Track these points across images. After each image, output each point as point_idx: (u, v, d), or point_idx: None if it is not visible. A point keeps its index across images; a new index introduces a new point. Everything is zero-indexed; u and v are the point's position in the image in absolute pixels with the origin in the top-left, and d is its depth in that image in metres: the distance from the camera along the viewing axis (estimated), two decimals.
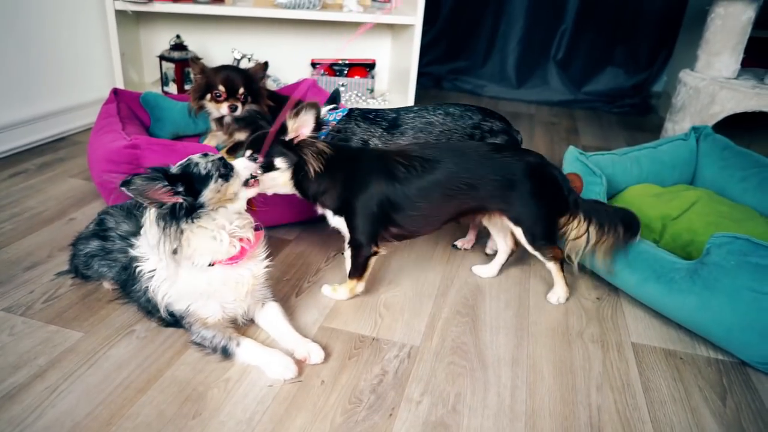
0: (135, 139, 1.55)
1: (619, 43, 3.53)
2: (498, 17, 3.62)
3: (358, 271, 1.35)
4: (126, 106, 1.99)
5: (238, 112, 1.83)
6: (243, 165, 1.17)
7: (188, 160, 1.09)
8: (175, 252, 1.05)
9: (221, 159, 1.11)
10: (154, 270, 1.13)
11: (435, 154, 1.29)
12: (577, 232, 1.32)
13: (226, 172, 1.10)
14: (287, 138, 1.24)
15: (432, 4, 3.71)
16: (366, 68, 2.81)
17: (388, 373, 1.14)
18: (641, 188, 1.66)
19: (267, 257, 1.20)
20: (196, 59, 1.91)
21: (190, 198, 1.05)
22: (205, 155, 1.11)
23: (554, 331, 1.31)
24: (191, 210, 1.06)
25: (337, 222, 1.34)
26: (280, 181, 1.27)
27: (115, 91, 1.99)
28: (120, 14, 2.36)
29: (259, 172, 1.21)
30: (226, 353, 1.13)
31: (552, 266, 1.39)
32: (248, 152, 1.24)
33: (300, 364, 1.14)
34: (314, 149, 1.24)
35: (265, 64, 1.92)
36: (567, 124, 3.11)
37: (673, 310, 1.30)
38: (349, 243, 1.34)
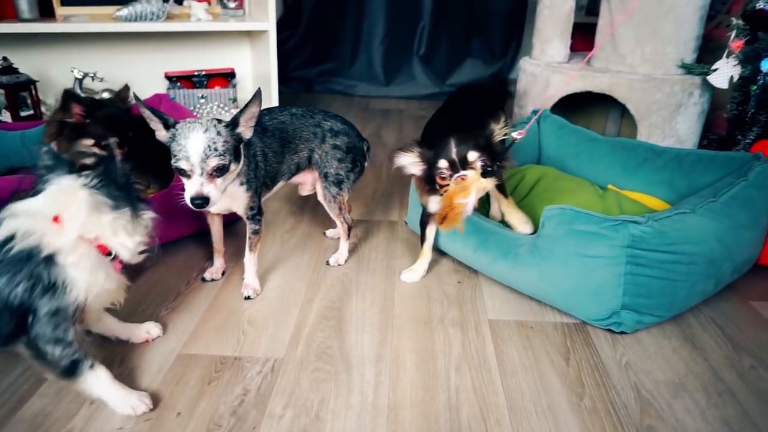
0: None
1: (475, 36, 3.74)
2: (360, 18, 3.68)
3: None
4: None
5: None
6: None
7: None
8: None
9: None
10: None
11: None
12: None
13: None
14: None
15: (293, 8, 3.70)
16: (226, 78, 2.72)
17: (250, 392, 1.11)
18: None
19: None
20: (74, 96, 1.56)
21: None
22: None
23: (417, 321, 1.35)
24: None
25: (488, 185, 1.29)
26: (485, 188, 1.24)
27: None
28: None
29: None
30: (73, 372, 0.98)
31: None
32: (473, 155, 1.22)
33: (154, 398, 1.07)
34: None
35: (126, 87, 1.70)
36: None
37: (521, 283, 1.39)
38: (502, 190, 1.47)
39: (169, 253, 1.62)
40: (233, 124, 1.22)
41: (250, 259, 1.44)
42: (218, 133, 1.18)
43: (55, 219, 0.96)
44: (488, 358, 1.23)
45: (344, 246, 1.61)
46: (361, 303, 1.42)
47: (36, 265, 0.93)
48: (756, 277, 1.55)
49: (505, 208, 1.51)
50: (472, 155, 1.22)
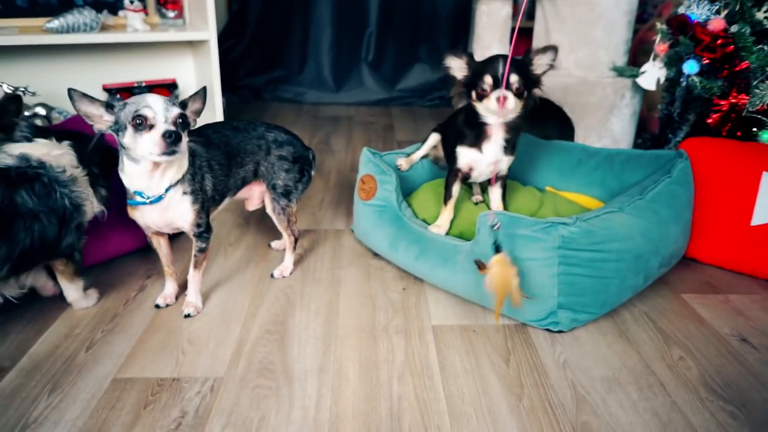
0: None
1: (422, 42, 3.78)
2: (306, 25, 3.66)
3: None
4: None
5: None
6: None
7: None
8: None
9: None
10: None
11: None
12: None
13: None
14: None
15: (239, 16, 3.65)
16: (168, 89, 2.66)
17: (187, 414, 1.09)
18: (435, 184, 1.76)
19: None
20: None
21: None
22: None
23: (361, 330, 1.35)
24: None
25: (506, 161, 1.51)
26: (514, 109, 1.37)
27: None
28: None
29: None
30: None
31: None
32: (514, 78, 1.35)
33: (86, 428, 1.04)
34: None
35: (16, 97, 1.62)
36: (384, 122, 3.25)
37: (461, 288, 1.41)
38: (504, 179, 1.56)
39: (106, 271, 1.57)
40: (183, 104, 1.24)
41: (194, 276, 1.41)
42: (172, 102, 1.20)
43: None
44: (431, 365, 1.24)
45: (290, 258, 1.60)
46: (305, 315, 1.41)
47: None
48: (686, 271, 1.63)
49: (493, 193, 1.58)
50: (514, 77, 1.35)
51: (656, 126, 2.23)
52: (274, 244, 1.74)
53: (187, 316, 1.39)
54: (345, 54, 3.70)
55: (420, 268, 1.49)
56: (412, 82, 3.73)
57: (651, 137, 2.24)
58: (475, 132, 1.47)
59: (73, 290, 1.38)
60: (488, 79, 1.37)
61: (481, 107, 1.42)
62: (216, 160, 1.37)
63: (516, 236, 1.28)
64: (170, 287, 1.46)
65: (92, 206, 1.34)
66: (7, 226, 1.15)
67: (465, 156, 1.51)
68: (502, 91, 1.35)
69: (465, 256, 1.35)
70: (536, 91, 1.45)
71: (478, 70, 1.41)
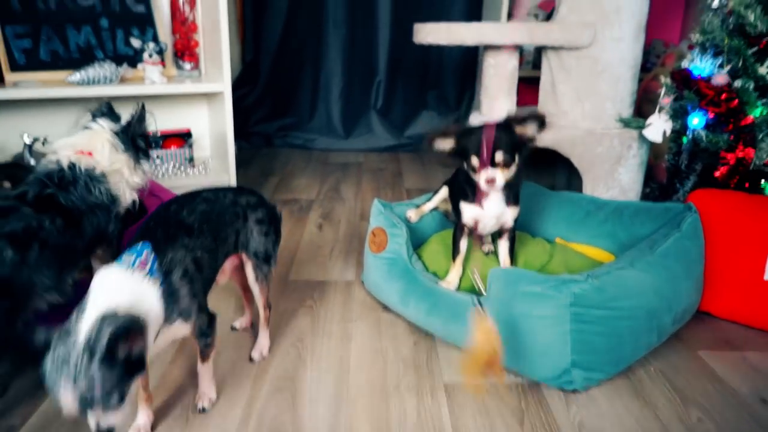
0: None
1: (430, 90, 3.87)
2: (317, 73, 3.77)
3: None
4: None
5: None
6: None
7: None
8: None
9: None
10: None
11: None
12: None
13: None
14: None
15: (252, 66, 3.77)
16: (182, 138, 2.72)
17: None
18: (444, 235, 1.77)
19: None
20: None
21: None
22: None
23: (373, 389, 1.34)
24: None
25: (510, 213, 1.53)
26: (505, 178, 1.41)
27: None
28: None
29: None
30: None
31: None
32: (499, 156, 1.39)
33: None
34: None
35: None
36: (393, 168, 3.29)
37: None
38: (511, 231, 1.57)
39: None
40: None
41: (204, 368, 1.25)
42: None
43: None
44: (444, 427, 1.22)
45: (266, 333, 1.47)
46: (316, 372, 1.40)
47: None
48: (701, 326, 1.61)
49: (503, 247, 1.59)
50: (500, 156, 1.40)
51: (664, 174, 2.24)
52: (238, 323, 1.58)
53: (202, 410, 1.24)
54: (354, 101, 3.79)
55: (431, 324, 1.48)
56: (420, 129, 3.79)
57: (659, 186, 2.25)
58: (474, 189, 1.50)
59: None
60: (475, 161, 1.42)
61: (474, 176, 1.46)
62: (202, 248, 1.18)
63: (526, 293, 1.27)
64: (143, 418, 1.18)
65: (125, 196, 1.45)
66: (78, 222, 1.30)
67: (468, 212, 1.54)
68: (488, 172, 1.40)
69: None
70: (531, 145, 1.47)
71: (465, 146, 1.45)
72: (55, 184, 1.28)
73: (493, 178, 1.40)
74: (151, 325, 0.99)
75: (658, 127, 1.95)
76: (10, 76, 2.38)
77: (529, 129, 1.43)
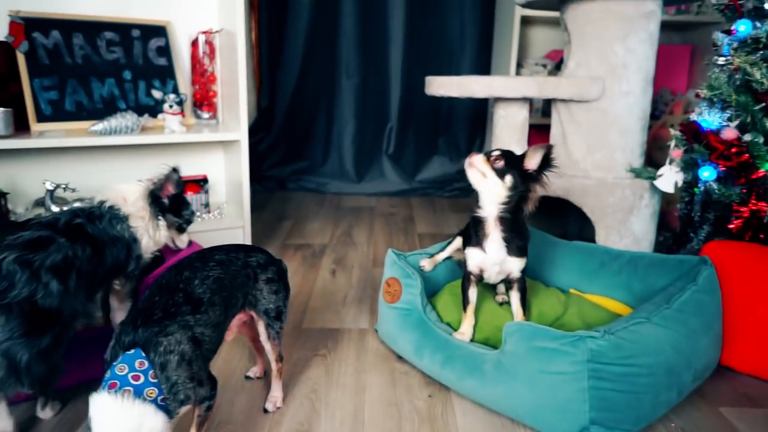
0: None
1: (441, 135, 3.95)
2: (330, 119, 3.87)
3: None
4: None
5: None
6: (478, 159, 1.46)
7: None
8: None
9: None
10: None
11: None
12: None
13: None
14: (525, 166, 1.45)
15: (267, 112, 3.87)
16: (198, 184, 2.79)
17: None
18: (457, 285, 1.77)
19: None
20: None
21: None
22: None
23: None
24: None
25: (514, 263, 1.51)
26: (494, 190, 1.44)
27: None
28: None
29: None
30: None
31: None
32: (496, 152, 1.46)
33: None
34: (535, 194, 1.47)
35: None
36: (404, 213, 3.33)
37: (490, 400, 1.39)
38: (520, 282, 1.55)
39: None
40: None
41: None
42: None
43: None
44: None
45: (279, 385, 1.46)
46: (330, 425, 1.39)
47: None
48: (722, 381, 1.58)
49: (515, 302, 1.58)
50: (496, 152, 1.47)
51: (677, 221, 2.25)
52: (252, 372, 1.58)
53: None
54: (366, 146, 3.88)
55: (446, 377, 1.47)
56: (431, 174, 3.85)
57: (672, 235, 2.25)
58: (477, 230, 1.52)
59: (120, 314, 1.53)
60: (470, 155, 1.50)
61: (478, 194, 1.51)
62: (208, 324, 1.17)
63: (543, 349, 1.27)
64: None
65: (150, 241, 1.56)
66: (102, 252, 1.41)
67: (473, 257, 1.54)
68: (473, 156, 1.47)
69: (492, 366, 1.34)
70: (538, 188, 1.48)
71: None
72: (85, 215, 1.43)
73: (473, 160, 1.45)
74: None
75: (670, 178, 1.97)
76: (36, 126, 2.47)
77: (534, 159, 1.44)
